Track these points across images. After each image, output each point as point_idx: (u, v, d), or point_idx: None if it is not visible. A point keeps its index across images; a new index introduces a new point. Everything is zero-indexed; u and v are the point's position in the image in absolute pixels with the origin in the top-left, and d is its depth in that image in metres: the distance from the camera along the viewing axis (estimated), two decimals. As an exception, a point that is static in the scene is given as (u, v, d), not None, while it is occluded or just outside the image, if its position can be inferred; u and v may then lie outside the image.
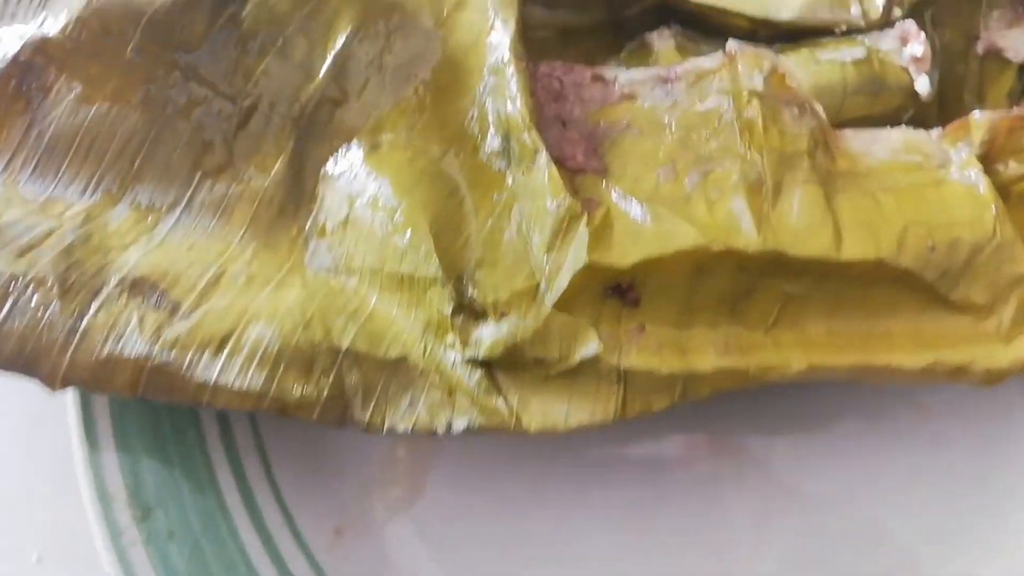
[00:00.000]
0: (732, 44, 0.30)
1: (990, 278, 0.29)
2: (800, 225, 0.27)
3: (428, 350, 0.28)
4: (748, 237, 0.27)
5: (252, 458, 0.33)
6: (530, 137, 0.28)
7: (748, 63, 0.29)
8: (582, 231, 0.27)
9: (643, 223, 0.27)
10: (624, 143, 0.30)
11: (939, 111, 0.38)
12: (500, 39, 0.30)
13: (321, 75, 0.30)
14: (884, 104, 0.36)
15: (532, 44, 0.36)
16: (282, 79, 0.30)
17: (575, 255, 0.26)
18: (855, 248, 0.27)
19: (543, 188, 0.27)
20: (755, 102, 0.29)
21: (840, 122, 0.36)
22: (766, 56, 0.30)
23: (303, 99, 0.30)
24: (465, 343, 0.27)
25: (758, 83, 0.29)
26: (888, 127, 0.36)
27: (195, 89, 0.30)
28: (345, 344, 0.27)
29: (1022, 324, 0.30)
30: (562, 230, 0.27)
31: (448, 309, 0.27)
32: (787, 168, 0.28)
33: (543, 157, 0.28)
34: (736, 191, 0.28)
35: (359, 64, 0.31)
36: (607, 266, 0.26)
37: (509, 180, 0.29)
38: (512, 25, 0.30)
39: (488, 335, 0.27)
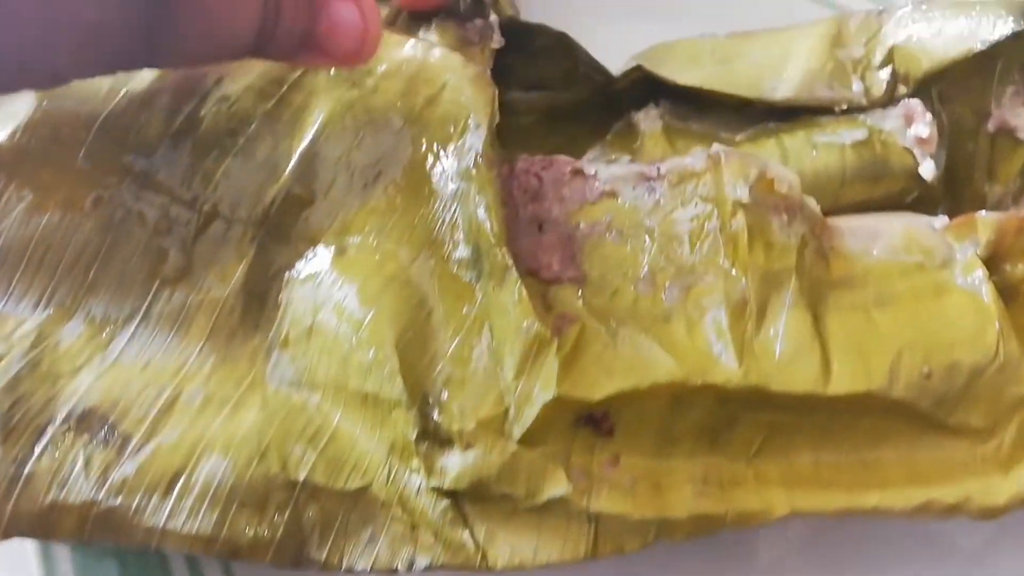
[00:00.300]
0: (717, 148, 0.28)
1: (991, 401, 0.28)
2: (785, 355, 0.26)
3: (392, 475, 0.26)
4: (729, 371, 0.25)
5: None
6: (500, 253, 0.27)
7: (733, 171, 0.27)
8: (551, 361, 0.25)
9: (618, 349, 0.26)
10: (603, 248, 0.29)
11: (947, 190, 0.36)
12: (472, 142, 0.28)
13: (286, 174, 0.29)
14: (886, 188, 0.34)
15: (514, 131, 0.34)
16: (244, 180, 0.29)
17: (544, 386, 0.25)
18: (844, 381, 0.26)
19: (513, 307, 0.26)
20: (740, 214, 0.27)
21: (839, 208, 0.34)
22: (753, 162, 0.28)
23: (266, 200, 0.29)
24: (430, 471, 0.26)
25: (743, 193, 0.27)
26: (889, 214, 0.34)
27: (151, 194, 0.28)
28: (303, 475, 0.26)
29: (1023, 448, 0.28)
30: (531, 355, 0.26)
31: (413, 434, 0.26)
32: (773, 288, 0.27)
33: (513, 275, 0.26)
34: (718, 312, 0.26)
35: (326, 162, 0.29)
36: (577, 399, 0.25)
37: (479, 294, 0.27)
38: (485, 128, 0.28)
39: (454, 465, 0.26)
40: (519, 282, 0.26)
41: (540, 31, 0.33)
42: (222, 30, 0.22)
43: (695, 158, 0.29)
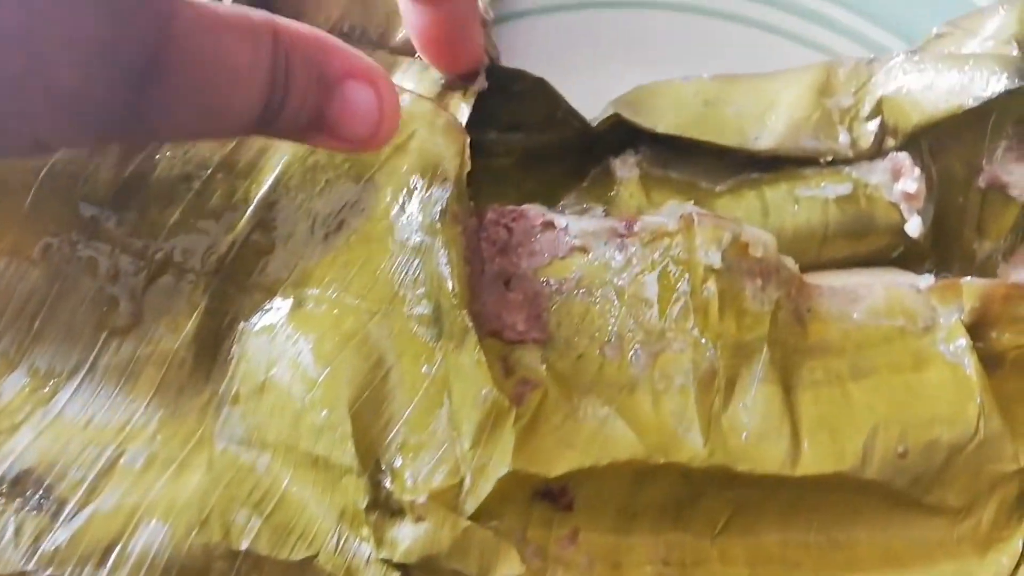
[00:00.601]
0: (691, 209, 0.27)
1: (969, 479, 0.26)
2: (753, 433, 0.24)
3: (341, 544, 0.25)
4: (693, 449, 0.24)
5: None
6: (460, 316, 0.25)
7: (706, 235, 0.26)
8: (508, 433, 0.24)
9: (580, 421, 0.25)
10: (571, 307, 0.27)
11: (935, 244, 0.34)
12: (439, 195, 0.27)
13: (243, 221, 0.28)
14: (870, 245, 0.33)
15: (490, 173, 0.33)
16: (198, 228, 0.28)
17: (499, 459, 0.24)
18: (814, 461, 0.24)
19: (472, 371, 0.25)
20: (712, 280, 0.26)
21: (821, 264, 0.33)
22: (726, 225, 0.27)
23: (222, 249, 0.28)
24: (380, 542, 0.25)
25: (715, 259, 0.26)
26: (873, 271, 0.33)
27: (100, 243, 0.27)
28: (245, 544, 0.25)
29: (1002, 528, 0.27)
30: (488, 425, 0.25)
31: (363, 503, 0.25)
32: (743, 361, 0.25)
33: (473, 338, 0.25)
34: (685, 383, 0.25)
35: (286, 210, 0.28)
36: (533, 474, 0.24)
37: (439, 354, 0.26)
38: (452, 182, 0.27)
39: (405, 537, 0.25)
40: (478, 346, 0.25)
41: (519, 76, 0.32)
42: (221, 108, 0.19)
43: (668, 217, 0.28)
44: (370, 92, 0.21)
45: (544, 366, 0.26)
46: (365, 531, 0.25)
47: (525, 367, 0.26)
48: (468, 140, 0.28)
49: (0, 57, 0.16)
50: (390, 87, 0.22)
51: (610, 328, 0.27)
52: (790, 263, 0.29)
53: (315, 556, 0.25)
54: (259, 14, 0.19)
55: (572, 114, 0.33)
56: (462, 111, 0.30)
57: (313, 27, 0.21)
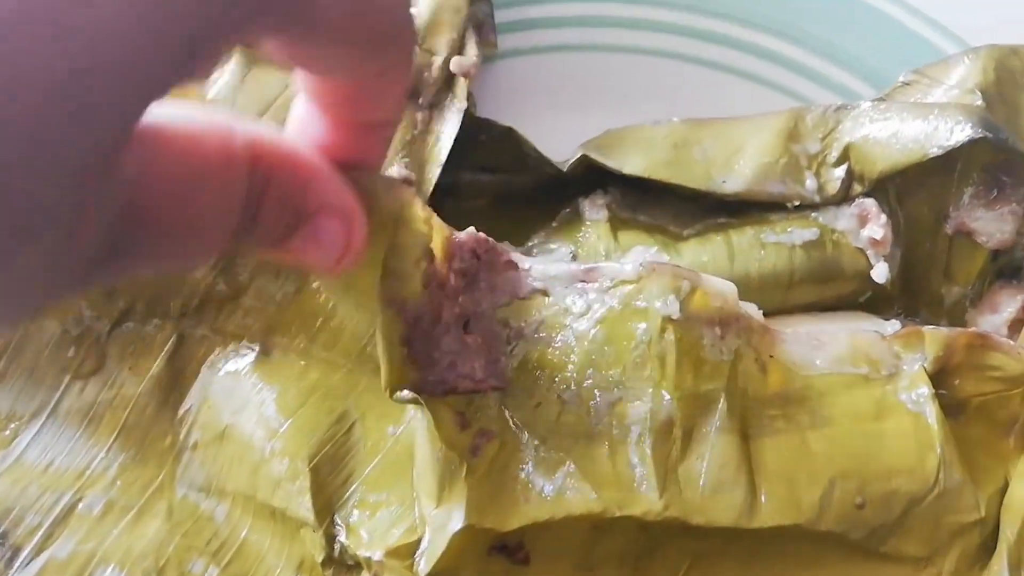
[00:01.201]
0: (650, 258, 0.27)
1: (929, 530, 0.26)
2: (709, 484, 0.24)
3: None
4: (648, 502, 0.24)
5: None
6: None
7: (664, 284, 0.26)
8: (461, 489, 0.24)
9: (536, 471, 0.25)
10: (529, 353, 0.27)
11: (903, 288, 0.35)
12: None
13: (208, 269, 0.28)
14: (836, 290, 0.33)
15: (462, 215, 0.33)
16: (162, 276, 0.28)
17: (454, 516, 0.24)
18: (771, 513, 0.24)
19: (430, 432, 0.25)
20: (670, 330, 0.26)
21: (786, 309, 0.33)
22: (685, 275, 0.27)
23: (186, 294, 0.28)
24: None
25: (673, 309, 0.26)
26: (837, 316, 0.33)
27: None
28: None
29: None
30: (445, 483, 0.25)
31: (319, 557, 0.25)
32: (700, 411, 0.25)
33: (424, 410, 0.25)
34: (643, 433, 0.25)
35: (251, 258, 0.28)
36: (488, 529, 0.24)
37: (406, 416, 0.26)
38: (419, 265, 0.26)
39: (362, 589, 0.25)
40: (431, 420, 0.25)
41: (487, 125, 0.33)
42: (185, 253, 0.18)
43: (630, 264, 0.28)
44: (339, 230, 0.21)
45: (506, 414, 0.26)
46: None
47: (482, 418, 0.26)
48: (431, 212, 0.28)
49: None
50: (360, 223, 0.21)
51: (569, 375, 0.27)
52: (753, 310, 0.29)
53: (271, 608, 0.25)
54: (240, 139, 0.18)
55: (543, 161, 0.33)
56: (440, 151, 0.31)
57: (295, 148, 0.20)
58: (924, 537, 0.27)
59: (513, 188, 0.34)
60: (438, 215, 0.31)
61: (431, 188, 0.31)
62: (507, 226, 0.34)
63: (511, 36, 0.35)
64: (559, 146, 0.34)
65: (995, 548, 0.27)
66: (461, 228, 0.34)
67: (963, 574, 0.27)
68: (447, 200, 0.33)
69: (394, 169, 0.30)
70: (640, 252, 0.29)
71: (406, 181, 0.30)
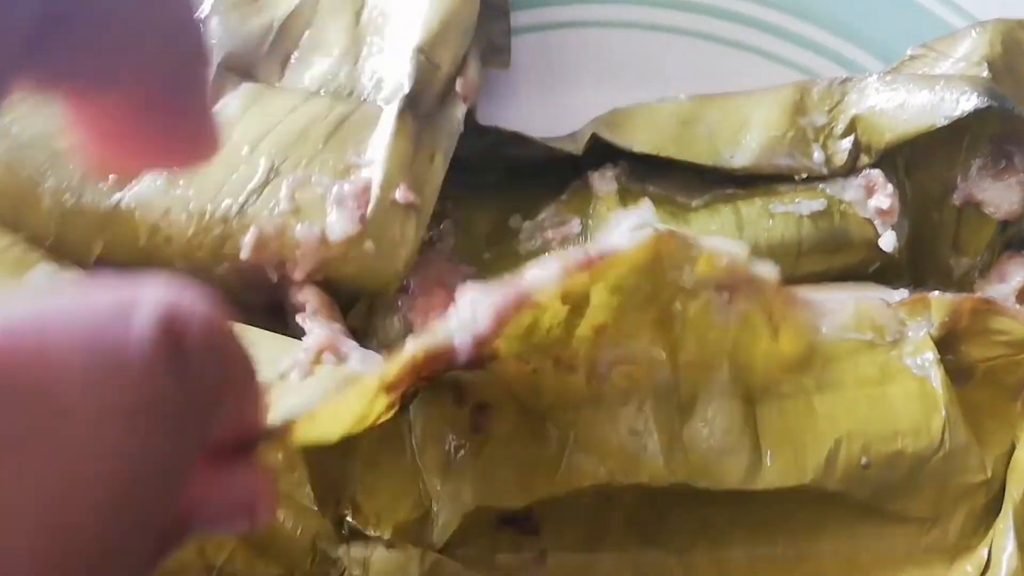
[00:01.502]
0: (652, 223, 0.28)
1: (935, 490, 0.27)
2: (713, 449, 0.25)
3: (316, 563, 0.25)
4: (653, 467, 0.24)
5: None
6: None
7: (674, 254, 0.26)
8: (468, 468, 0.24)
9: (540, 448, 0.25)
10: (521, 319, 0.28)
11: (912, 260, 0.35)
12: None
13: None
14: (844, 260, 0.33)
15: (473, 188, 0.34)
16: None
17: (464, 495, 0.25)
18: (775, 475, 0.25)
19: (430, 408, 0.25)
20: (679, 298, 0.26)
21: (796, 279, 0.33)
22: (691, 244, 0.27)
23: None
24: (353, 563, 0.25)
25: (679, 274, 0.26)
26: (845, 286, 0.33)
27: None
28: (220, 561, 0.25)
29: (969, 537, 0.27)
30: (451, 459, 0.25)
31: (331, 536, 0.25)
32: (704, 376, 0.26)
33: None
34: (645, 399, 0.25)
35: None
36: (494, 507, 0.24)
37: None
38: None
39: (377, 559, 0.25)
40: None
41: (491, 132, 0.33)
42: None
43: (626, 233, 0.28)
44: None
45: (499, 385, 0.26)
46: (341, 550, 0.26)
47: (478, 391, 0.26)
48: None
49: None
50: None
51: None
52: (767, 270, 0.29)
53: (290, 574, 0.26)
54: None
55: (552, 151, 0.34)
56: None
57: None
58: (930, 498, 0.27)
59: (523, 161, 0.35)
60: (450, 188, 0.32)
61: (430, 213, 0.31)
62: (518, 198, 0.35)
63: (518, 13, 0.36)
64: (566, 122, 0.35)
65: (1000, 509, 0.27)
66: (473, 203, 0.35)
67: (969, 533, 0.27)
68: (459, 174, 0.33)
69: (398, 193, 0.30)
70: (630, 216, 0.29)
71: (410, 206, 0.30)
